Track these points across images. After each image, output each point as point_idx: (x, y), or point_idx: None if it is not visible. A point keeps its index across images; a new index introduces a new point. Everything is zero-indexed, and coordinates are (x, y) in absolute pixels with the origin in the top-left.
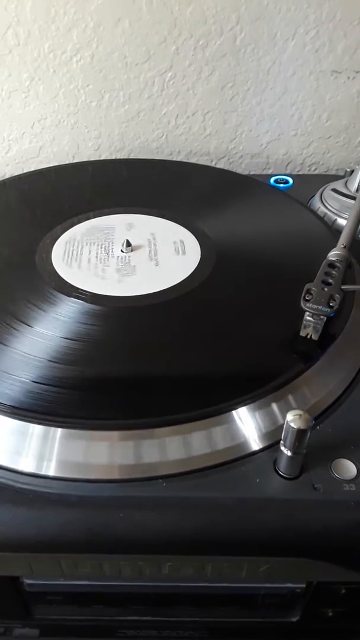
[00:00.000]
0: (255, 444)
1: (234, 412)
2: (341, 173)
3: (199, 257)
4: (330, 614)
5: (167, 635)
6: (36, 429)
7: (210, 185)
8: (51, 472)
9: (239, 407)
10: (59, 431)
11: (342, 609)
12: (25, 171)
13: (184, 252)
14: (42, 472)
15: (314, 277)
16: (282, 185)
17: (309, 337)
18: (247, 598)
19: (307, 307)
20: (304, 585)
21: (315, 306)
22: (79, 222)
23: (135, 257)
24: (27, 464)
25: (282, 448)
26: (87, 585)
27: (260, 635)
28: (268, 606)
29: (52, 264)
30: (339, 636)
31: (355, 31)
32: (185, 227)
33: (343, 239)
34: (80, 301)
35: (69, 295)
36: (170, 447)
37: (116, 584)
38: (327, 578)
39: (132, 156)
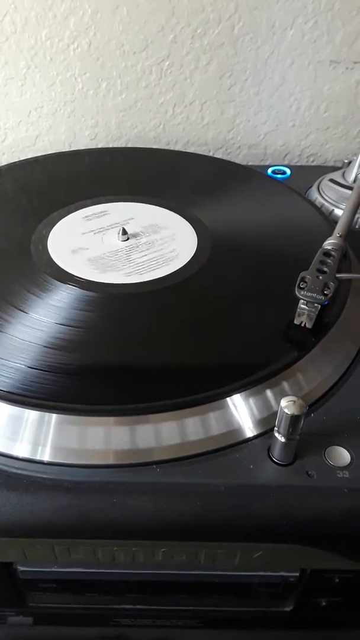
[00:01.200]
0: (250, 431)
1: (228, 399)
2: (339, 165)
3: (196, 246)
4: (324, 603)
5: (161, 624)
6: (31, 415)
7: (207, 175)
8: (46, 458)
9: (234, 394)
10: (53, 416)
11: (336, 598)
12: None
13: (180, 241)
14: (37, 458)
15: (310, 266)
16: (279, 176)
17: (303, 325)
18: (241, 587)
19: (302, 295)
20: (297, 574)
21: (309, 294)
22: (76, 210)
23: (132, 245)
24: (22, 449)
25: (276, 434)
26: (81, 572)
27: (254, 624)
28: (262, 595)
29: (47, 252)
30: (333, 626)
31: (354, 21)
32: (182, 216)
33: (339, 228)
34: (76, 288)
35: (65, 282)
36: (164, 433)
37: (110, 572)
38: (320, 565)
39: (129, 145)
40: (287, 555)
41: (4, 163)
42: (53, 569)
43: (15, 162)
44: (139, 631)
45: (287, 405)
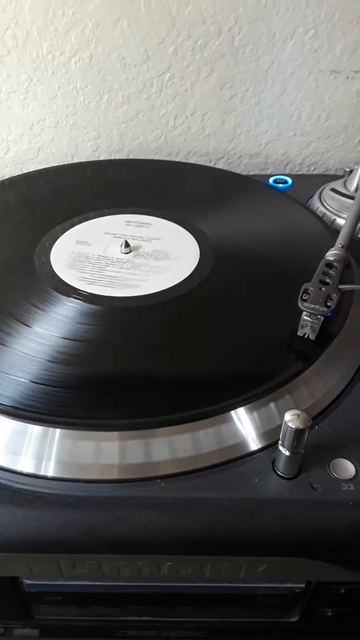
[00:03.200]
0: (254, 444)
1: (232, 412)
2: (340, 173)
3: (198, 257)
4: (330, 614)
5: (166, 635)
6: (35, 429)
7: (209, 186)
8: (50, 473)
9: (237, 407)
10: (57, 431)
11: (342, 609)
12: (24, 172)
13: (182, 253)
14: (41, 473)
15: (312, 278)
16: (281, 185)
17: (306, 336)
18: (247, 598)
19: (305, 307)
20: (303, 585)
21: (312, 306)
22: (79, 222)
23: (134, 257)
24: (26, 465)
25: (281, 448)
26: (87, 585)
27: (260, 635)
28: (267, 606)
29: (51, 265)
30: (338, 636)
31: (354, 31)
32: (184, 228)
33: (341, 239)
34: (79, 301)
35: (68, 296)
36: (168, 447)
37: (115, 584)
38: (326, 578)
39: (131, 157)
40: (293, 568)
41: (6, 176)
42: (59, 582)
43: (18, 175)
44: None
45: (291, 419)
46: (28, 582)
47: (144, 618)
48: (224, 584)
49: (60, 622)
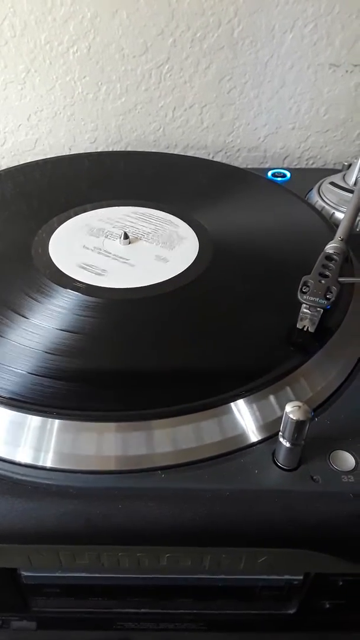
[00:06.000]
0: (254, 436)
1: (232, 404)
2: (339, 167)
3: (197, 250)
4: (327, 606)
5: (165, 627)
6: (33, 420)
7: (207, 179)
8: (49, 464)
9: (237, 399)
10: (56, 422)
11: (339, 601)
12: (21, 163)
13: (181, 245)
14: (40, 464)
15: (311, 270)
16: (279, 178)
17: (305, 329)
18: (245, 590)
19: (304, 299)
20: (301, 577)
21: (312, 298)
22: (76, 214)
23: (133, 249)
24: (24, 455)
25: (281, 439)
26: (85, 577)
27: (258, 627)
28: (265, 598)
29: (48, 256)
30: (336, 628)
31: (354, 24)
32: (183, 220)
33: (340, 232)
34: (77, 292)
35: (66, 287)
36: (168, 439)
37: (114, 576)
38: (325, 570)
39: (129, 149)
40: (292, 559)
41: (3, 167)
42: (57, 574)
43: (15, 166)
44: (143, 634)
45: (292, 411)
46: (26, 573)
47: (142, 610)
48: (223, 576)
49: (58, 614)
